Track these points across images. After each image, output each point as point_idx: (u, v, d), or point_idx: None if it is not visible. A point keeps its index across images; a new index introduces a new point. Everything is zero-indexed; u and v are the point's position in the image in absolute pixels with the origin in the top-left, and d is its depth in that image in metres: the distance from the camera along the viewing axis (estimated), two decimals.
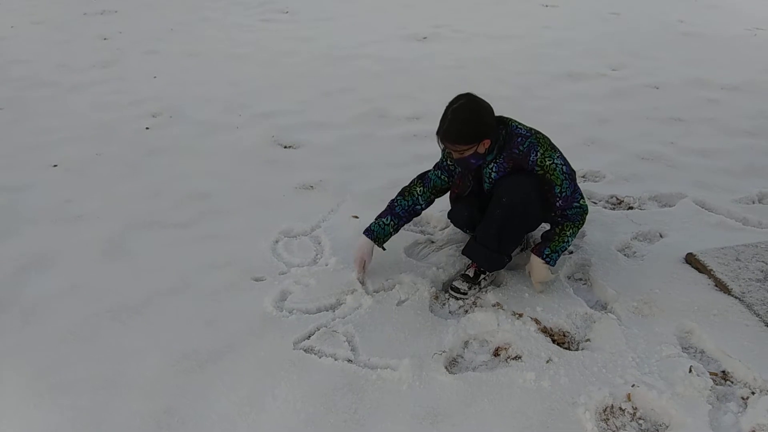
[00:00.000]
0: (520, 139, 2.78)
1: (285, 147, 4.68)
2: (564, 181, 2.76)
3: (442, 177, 3.05)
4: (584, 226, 3.47)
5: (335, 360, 2.60)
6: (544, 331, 2.77)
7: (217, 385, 2.48)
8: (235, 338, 2.72)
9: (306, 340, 2.72)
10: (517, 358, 2.63)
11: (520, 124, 2.84)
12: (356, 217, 3.63)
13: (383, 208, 3.11)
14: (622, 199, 3.88)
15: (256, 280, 3.11)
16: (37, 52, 7.05)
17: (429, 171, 3.10)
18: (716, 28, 8.13)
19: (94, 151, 4.57)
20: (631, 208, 3.80)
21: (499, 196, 2.81)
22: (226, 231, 3.54)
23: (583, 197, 2.85)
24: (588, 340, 2.75)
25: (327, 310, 2.92)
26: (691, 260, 3.17)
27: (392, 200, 3.10)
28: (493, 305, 2.93)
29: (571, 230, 2.85)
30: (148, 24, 8.20)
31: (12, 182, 4.12)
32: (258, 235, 3.47)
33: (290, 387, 2.46)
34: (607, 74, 6.36)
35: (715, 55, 7.02)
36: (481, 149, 2.75)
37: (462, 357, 2.69)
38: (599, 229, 3.52)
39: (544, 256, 2.85)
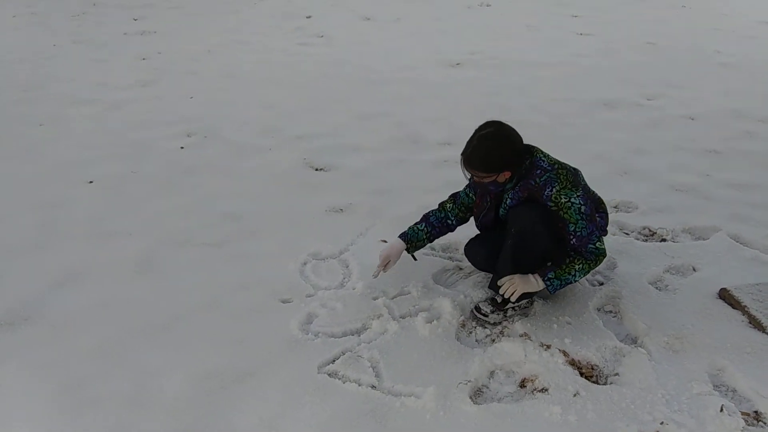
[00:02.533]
0: (539, 171, 2.76)
1: (317, 170, 4.72)
2: (579, 221, 2.71)
3: (470, 195, 3.09)
4: (616, 257, 3.47)
5: (359, 386, 2.59)
6: (572, 363, 2.73)
7: (240, 407, 2.48)
8: (259, 360, 2.73)
9: (330, 365, 2.72)
10: (544, 390, 2.59)
11: (545, 156, 2.82)
12: (385, 241, 3.62)
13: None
14: (654, 231, 3.82)
15: (284, 301, 3.13)
16: (77, 71, 7.24)
17: (461, 190, 3.15)
18: (754, 59, 8.00)
19: (129, 168, 4.66)
20: (664, 240, 3.73)
21: (510, 225, 2.84)
22: (256, 251, 3.57)
23: (601, 240, 2.78)
24: (617, 374, 2.69)
25: (352, 335, 2.92)
26: (724, 296, 3.10)
27: (428, 212, 3.18)
28: (521, 335, 2.89)
29: (580, 265, 2.77)
30: (187, 45, 8.37)
31: (50, 198, 4.21)
32: (287, 257, 3.49)
33: (313, 411, 2.46)
34: (642, 104, 6.30)
35: (752, 86, 6.90)
36: (501, 179, 2.78)
37: (487, 387, 2.66)
38: (631, 260, 3.47)
39: (546, 278, 2.79)
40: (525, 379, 2.68)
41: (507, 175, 2.77)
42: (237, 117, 5.77)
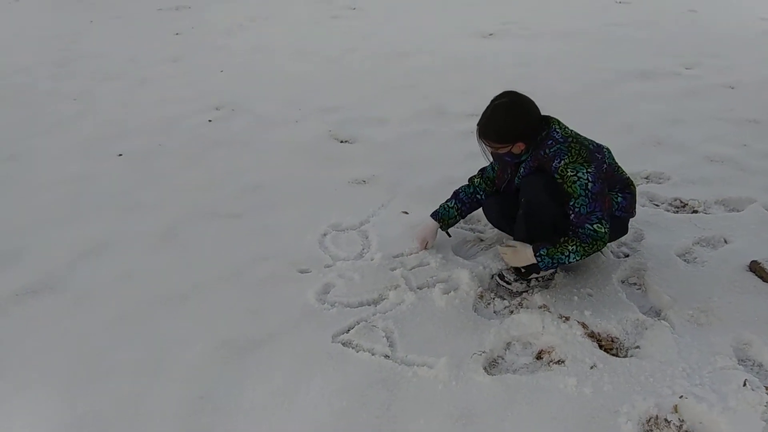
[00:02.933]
0: (550, 141, 2.69)
1: (341, 142, 4.70)
2: (582, 197, 2.61)
3: (495, 168, 3.07)
4: (644, 228, 3.38)
5: (372, 355, 2.58)
6: (592, 335, 2.67)
7: (253, 374, 2.50)
8: (275, 329, 2.74)
9: (345, 334, 2.72)
10: (560, 362, 2.54)
11: (561, 127, 2.74)
12: (406, 212, 3.60)
13: (441, 201, 3.19)
14: (686, 202, 3.70)
15: (302, 272, 3.13)
16: (111, 46, 7.35)
17: (488, 164, 3.12)
18: None
19: (157, 142, 4.72)
20: (695, 211, 3.61)
21: (521, 195, 2.79)
22: (277, 223, 3.58)
23: (602, 223, 2.63)
24: (637, 347, 2.62)
25: (368, 305, 2.91)
26: (755, 268, 2.99)
27: (457, 188, 3.18)
28: (540, 307, 2.84)
29: (573, 246, 2.65)
30: (220, 20, 8.41)
31: (80, 171, 4.30)
32: (307, 228, 3.49)
33: (325, 380, 2.46)
34: (680, 73, 6.08)
35: None
36: (516, 150, 2.73)
37: (503, 358, 2.62)
38: (659, 232, 3.36)
39: (538, 253, 2.70)
40: (542, 350, 2.64)
41: (521, 146, 2.71)
42: (264, 90, 5.79)
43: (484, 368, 2.52)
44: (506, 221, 3.08)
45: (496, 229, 3.41)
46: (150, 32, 7.93)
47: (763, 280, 2.92)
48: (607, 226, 2.65)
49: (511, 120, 2.66)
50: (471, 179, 3.18)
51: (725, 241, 3.31)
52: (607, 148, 2.87)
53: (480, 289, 2.98)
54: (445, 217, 3.15)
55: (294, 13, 8.65)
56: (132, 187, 4.05)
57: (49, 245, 3.46)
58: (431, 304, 2.87)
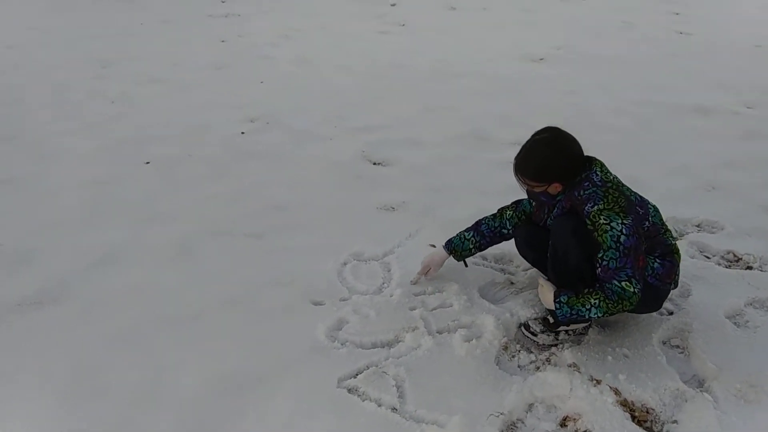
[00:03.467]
0: (587, 183, 2.46)
1: (374, 163, 4.52)
2: (612, 250, 2.35)
3: (534, 204, 2.84)
4: (691, 283, 3.09)
5: (379, 406, 2.36)
6: (624, 404, 2.40)
7: (250, 415, 2.32)
8: (279, 365, 2.55)
9: (352, 379, 2.51)
10: None
11: (603, 171, 2.51)
12: (433, 246, 3.38)
13: None
14: (740, 257, 3.38)
15: (315, 303, 2.95)
16: (156, 50, 7.35)
17: (525, 198, 2.90)
18: None
19: (187, 151, 4.62)
20: (750, 268, 3.30)
21: (550, 236, 2.58)
22: (297, 246, 3.42)
23: (632, 282, 2.35)
24: (675, 421, 2.34)
25: (382, 347, 2.70)
26: None
27: (481, 218, 2.98)
28: (569, 365, 2.58)
29: (597, 301, 2.39)
30: (268, 29, 8.36)
31: (105, 175, 4.23)
32: (328, 255, 3.31)
33: (324, 429, 2.26)
34: (739, 112, 5.72)
35: None
36: (553, 191, 2.52)
37: (523, 422, 2.37)
38: (708, 288, 3.06)
39: (558, 299, 2.47)
40: (567, 417, 2.38)
41: (558, 187, 2.51)
42: (303, 104, 5.67)
43: None
44: (533, 251, 2.86)
45: (528, 272, 3.18)
46: (196, 38, 7.93)
47: None
48: (639, 287, 2.38)
49: (549, 158, 2.47)
50: (501, 210, 2.97)
51: None
52: (654, 206, 2.63)
53: (505, 339, 2.74)
54: (459, 249, 2.96)
55: (343, 27, 8.55)
56: (154, 197, 3.94)
57: (61, 250, 3.38)
58: (450, 352, 2.64)
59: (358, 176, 4.29)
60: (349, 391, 2.44)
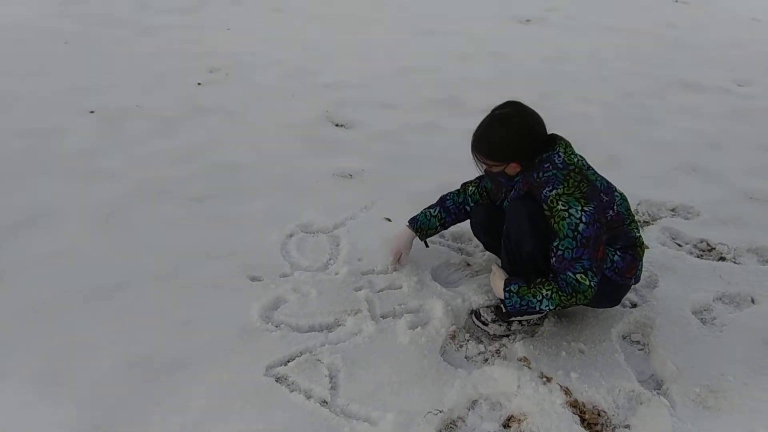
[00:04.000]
0: (548, 165, 2.24)
1: (336, 125, 4.24)
2: (568, 239, 2.15)
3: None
4: (659, 273, 2.90)
5: (307, 398, 2.15)
6: (574, 405, 2.22)
7: (163, 404, 2.09)
8: (203, 348, 2.32)
9: (282, 366, 2.29)
10: None
11: (567, 152, 2.28)
12: (389, 220, 3.15)
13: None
14: (713, 246, 3.19)
15: (252, 279, 2.71)
16: None
17: None
18: None
19: (135, 101, 4.29)
20: (722, 259, 3.11)
21: (505, 221, 2.38)
22: (241, 213, 3.17)
23: (587, 275, 2.15)
24: (627, 426, 2.17)
25: (320, 331, 2.48)
26: None
27: (445, 194, 2.79)
28: (519, 359, 2.39)
29: (549, 292, 2.20)
30: None
31: (45, 124, 3.92)
32: (273, 225, 3.06)
33: (243, 422, 2.05)
34: (730, 89, 5.47)
35: None
36: (511, 171, 2.33)
37: (463, 421, 2.17)
38: (677, 280, 2.88)
39: (508, 288, 2.28)
40: (512, 416, 2.19)
41: (516, 168, 2.30)
42: (269, 56, 5.33)
43: None
44: (488, 236, 2.68)
45: (486, 254, 2.95)
46: None
47: None
48: (595, 280, 2.17)
49: (507, 136, 2.26)
50: (465, 185, 2.77)
51: (752, 301, 2.84)
52: (622, 194, 2.41)
53: (453, 327, 2.53)
54: (425, 227, 2.74)
55: None
56: (93, 151, 3.66)
57: None
58: (392, 340, 2.43)
59: (317, 139, 4.01)
60: (278, 380, 2.23)
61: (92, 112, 4.11)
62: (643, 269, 2.71)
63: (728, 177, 3.90)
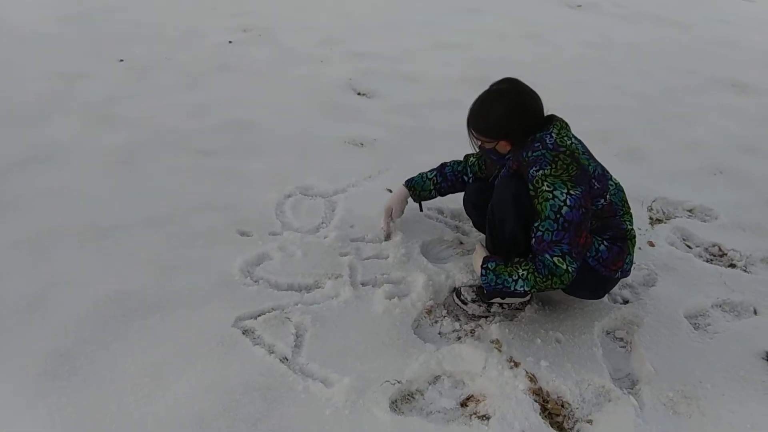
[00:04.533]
0: (538, 145, 2.17)
1: (358, 93, 4.22)
2: (549, 221, 2.09)
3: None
4: (660, 273, 2.80)
5: (269, 353, 2.18)
6: (538, 393, 2.16)
7: (130, 343, 2.16)
8: (179, 294, 2.38)
9: (251, 320, 2.32)
10: (485, 417, 2.07)
11: (561, 134, 2.20)
12: (390, 191, 3.13)
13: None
14: (725, 252, 3.05)
15: (242, 233, 2.75)
16: None
17: None
18: None
19: (165, 54, 4.36)
20: (732, 266, 2.96)
21: (491, 199, 2.34)
22: (245, 170, 3.21)
23: (566, 259, 2.09)
24: (590, 421, 2.10)
25: (296, 290, 2.49)
26: None
27: (446, 161, 2.80)
28: (492, 341, 2.35)
29: (525, 272, 2.15)
30: None
31: (73, 68, 4.03)
32: (273, 184, 3.09)
33: (203, 370, 2.08)
34: None
35: None
36: (501, 149, 2.26)
37: (422, 394, 2.16)
38: (677, 281, 2.76)
39: (485, 265, 2.25)
40: (471, 396, 2.17)
41: (507, 146, 2.25)
42: (305, 22, 5.34)
43: (393, 402, 2.08)
44: (478, 213, 2.65)
45: (482, 235, 2.91)
46: None
47: None
48: (574, 266, 2.11)
49: (500, 113, 2.20)
50: (467, 156, 2.77)
51: (755, 312, 2.68)
52: (617, 183, 2.33)
53: (431, 302, 2.51)
54: (418, 187, 2.75)
55: None
56: (115, 98, 3.74)
57: (8, 140, 3.19)
58: (367, 307, 2.43)
59: (335, 105, 4.01)
60: (244, 332, 2.26)
61: (122, 60, 4.20)
62: (644, 267, 2.65)
63: (756, 183, 3.72)
